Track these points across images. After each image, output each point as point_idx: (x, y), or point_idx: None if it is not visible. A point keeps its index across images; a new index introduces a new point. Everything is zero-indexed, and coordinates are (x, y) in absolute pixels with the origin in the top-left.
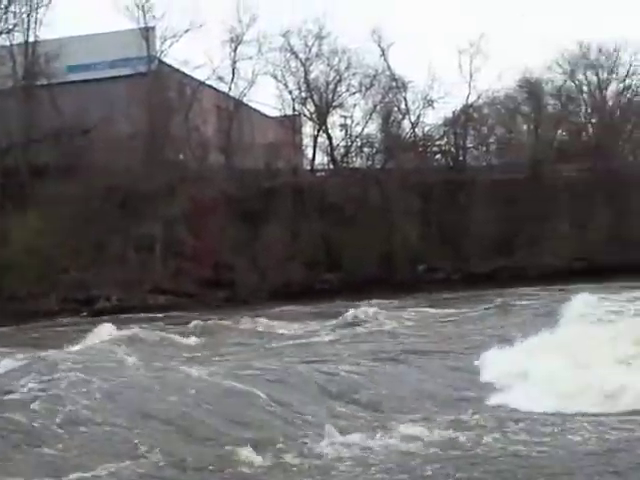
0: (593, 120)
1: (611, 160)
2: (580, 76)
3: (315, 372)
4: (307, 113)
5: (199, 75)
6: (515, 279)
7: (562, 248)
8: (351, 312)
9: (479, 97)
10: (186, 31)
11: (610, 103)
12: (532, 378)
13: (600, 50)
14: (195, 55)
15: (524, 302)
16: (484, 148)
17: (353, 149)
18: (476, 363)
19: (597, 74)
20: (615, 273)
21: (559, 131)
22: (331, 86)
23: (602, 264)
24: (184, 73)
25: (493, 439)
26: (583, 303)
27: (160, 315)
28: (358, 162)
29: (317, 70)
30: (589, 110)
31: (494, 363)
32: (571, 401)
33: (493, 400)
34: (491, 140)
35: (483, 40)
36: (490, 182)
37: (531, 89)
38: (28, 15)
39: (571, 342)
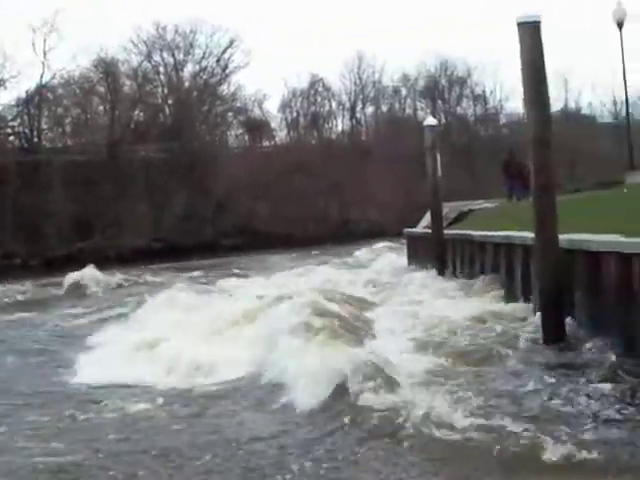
0: (170, 101)
1: (188, 140)
2: (157, 57)
3: None
4: None
5: None
6: (96, 261)
7: (142, 228)
8: None
9: (54, 77)
10: None
11: (187, 84)
12: None
13: (176, 31)
14: None
15: None
16: (60, 129)
17: None
18: None
19: (173, 55)
20: (190, 252)
21: (136, 112)
22: None
23: (178, 244)
24: None
25: None
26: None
27: None
28: None
29: None
30: (166, 91)
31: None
32: None
33: None
34: (67, 121)
35: (58, 18)
36: (67, 163)
37: (107, 69)
38: None
39: None
